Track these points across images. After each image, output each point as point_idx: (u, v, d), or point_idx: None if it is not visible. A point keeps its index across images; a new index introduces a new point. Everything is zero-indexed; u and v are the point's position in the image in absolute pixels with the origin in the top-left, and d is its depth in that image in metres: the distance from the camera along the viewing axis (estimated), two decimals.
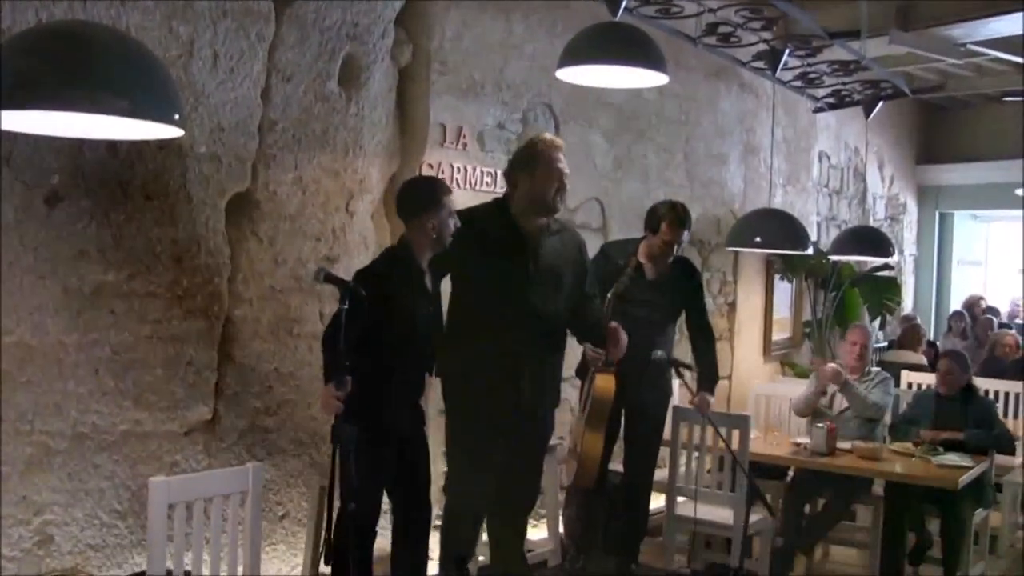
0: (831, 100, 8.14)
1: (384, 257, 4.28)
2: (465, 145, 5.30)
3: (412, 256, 4.10)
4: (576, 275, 4.53)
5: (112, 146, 3.90)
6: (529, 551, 5.01)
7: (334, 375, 3.60)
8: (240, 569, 3.60)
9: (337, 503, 3.46)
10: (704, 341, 5.51)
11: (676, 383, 5.66)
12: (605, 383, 4.76)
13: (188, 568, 3.50)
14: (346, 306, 3.52)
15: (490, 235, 4.36)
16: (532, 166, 4.39)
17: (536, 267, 4.37)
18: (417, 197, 4.17)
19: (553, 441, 4.93)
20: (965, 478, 5.21)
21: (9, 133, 3.53)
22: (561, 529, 5.48)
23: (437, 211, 4.08)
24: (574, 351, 4.82)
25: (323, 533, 3.89)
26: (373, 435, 3.79)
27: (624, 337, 4.55)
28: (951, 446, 5.66)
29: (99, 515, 4.01)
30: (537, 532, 5.55)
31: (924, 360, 8.59)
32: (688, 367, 5.14)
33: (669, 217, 5.16)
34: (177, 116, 2.42)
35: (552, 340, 4.52)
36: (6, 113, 2.43)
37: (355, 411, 3.56)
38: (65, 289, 3.82)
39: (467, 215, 4.29)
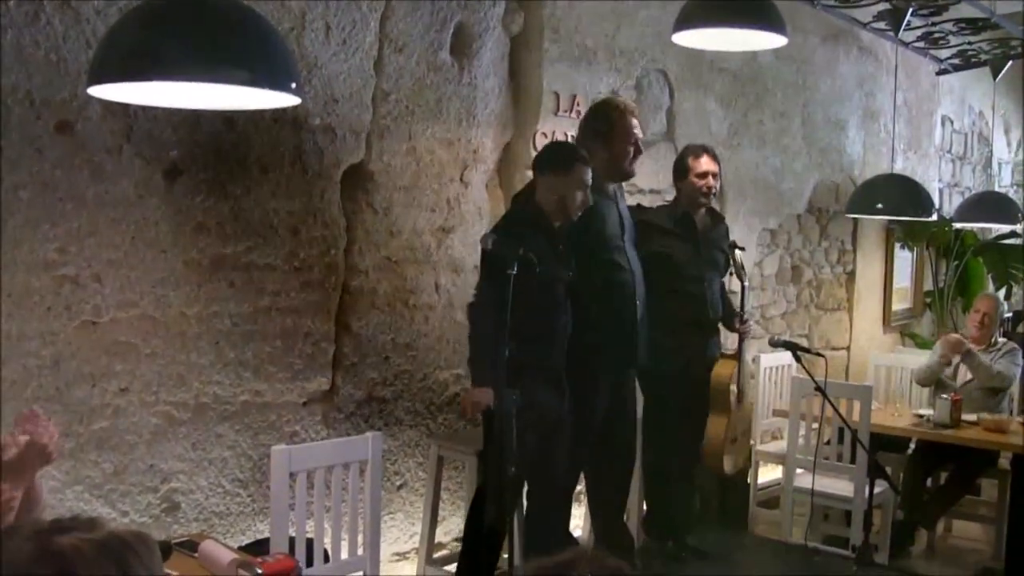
0: (956, 61, 7.87)
1: (516, 217, 4.29)
2: (579, 113, 5.23)
3: (545, 217, 4.14)
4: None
5: (228, 120, 3.95)
6: None
7: (497, 351, 3.58)
8: (360, 537, 3.63)
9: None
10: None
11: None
12: (725, 368, 4.81)
13: (310, 535, 3.55)
14: (514, 272, 3.53)
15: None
16: (607, 133, 4.41)
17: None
18: (552, 157, 4.26)
19: None
20: None
21: (128, 109, 3.62)
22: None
23: (567, 176, 4.08)
24: None
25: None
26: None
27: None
28: None
29: (222, 483, 4.08)
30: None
31: None
32: (806, 349, 5.05)
33: (693, 152, 5.07)
34: (294, 85, 2.42)
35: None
36: (126, 86, 2.45)
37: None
38: (186, 262, 3.89)
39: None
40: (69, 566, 1.32)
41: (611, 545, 4.60)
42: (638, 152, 4.49)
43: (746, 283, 5.06)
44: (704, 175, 5.00)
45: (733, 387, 4.93)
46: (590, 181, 4.21)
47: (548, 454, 4.19)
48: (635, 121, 4.51)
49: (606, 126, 4.48)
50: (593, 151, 4.40)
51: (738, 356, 4.99)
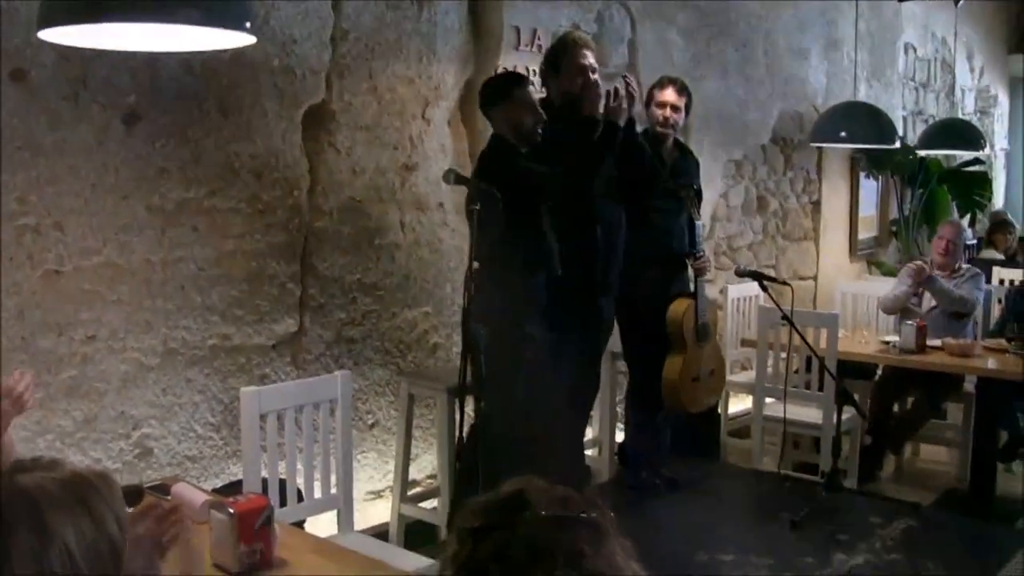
0: None
1: (488, 156, 4.32)
2: (540, 47, 5.19)
3: (513, 148, 4.16)
4: None
5: (186, 63, 3.90)
6: None
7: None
8: (333, 477, 3.66)
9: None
10: None
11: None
12: (680, 306, 4.86)
13: (283, 476, 3.57)
14: (477, 207, 3.55)
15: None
16: (559, 66, 4.51)
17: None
18: (491, 91, 4.36)
19: None
20: None
21: (83, 55, 3.57)
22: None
23: (509, 102, 4.21)
24: None
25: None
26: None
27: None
28: None
29: (194, 427, 4.09)
30: None
31: (1002, 257, 8.38)
32: (772, 279, 5.10)
33: (660, 82, 5.13)
34: (248, 24, 2.39)
35: None
36: (78, 30, 2.42)
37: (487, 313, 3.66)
38: (148, 208, 3.86)
39: None
40: (34, 504, 1.32)
41: (566, 474, 4.65)
42: (593, 84, 4.46)
43: (699, 220, 5.10)
44: (663, 105, 5.02)
45: (689, 325, 4.96)
46: (535, 100, 4.29)
47: (523, 387, 4.22)
48: (588, 53, 4.55)
49: (557, 58, 4.56)
50: (549, 84, 4.57)
51: (694, 294, 5.02)
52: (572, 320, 4.52)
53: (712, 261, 5.91)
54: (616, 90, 4.36)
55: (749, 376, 6.06)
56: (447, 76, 4.91)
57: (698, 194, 5.17)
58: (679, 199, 5.06)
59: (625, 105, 4.37)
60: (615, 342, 5.14)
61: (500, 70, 5.02)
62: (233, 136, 4.10)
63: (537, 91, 4.77)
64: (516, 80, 4.42)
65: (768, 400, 5.58)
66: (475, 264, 3.68)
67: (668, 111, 5.03)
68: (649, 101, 5.03)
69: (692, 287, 5.08)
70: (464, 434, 3.82)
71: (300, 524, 3.54)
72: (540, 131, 4.25)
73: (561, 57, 4.55)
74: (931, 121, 9.34)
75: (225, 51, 3.88)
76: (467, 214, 3.79)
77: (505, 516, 1.11)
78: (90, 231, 3.69)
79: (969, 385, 5.72)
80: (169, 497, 2.92)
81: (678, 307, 4.97)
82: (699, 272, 5.06)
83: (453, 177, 3.86)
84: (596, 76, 4.52)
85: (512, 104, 4.23)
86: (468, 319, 3.62)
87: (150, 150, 3.85)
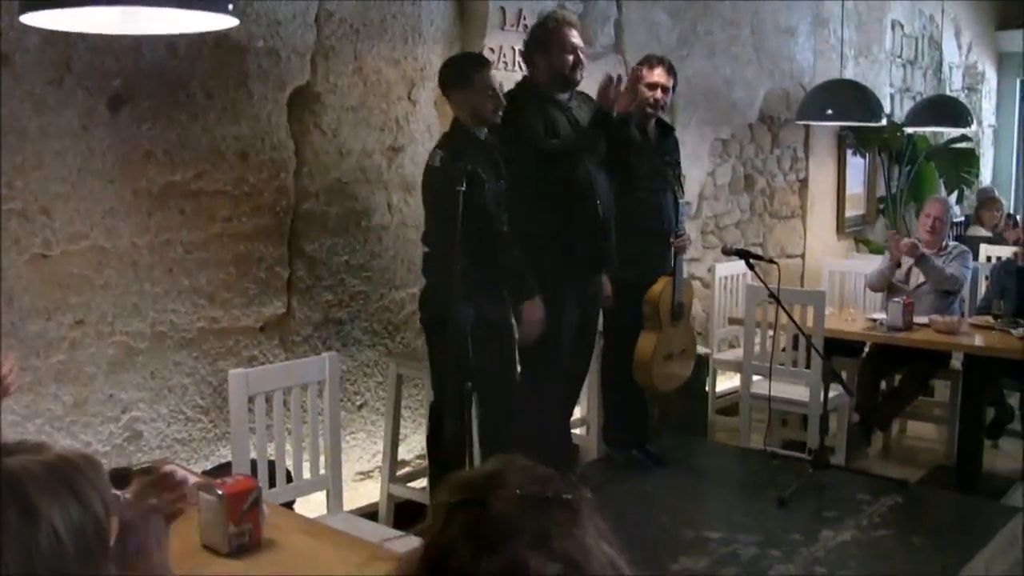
0: None
1: (450, 138, 4.30)
2: (526, 27, 5.18)
3: (472, 132, 4.16)
4: None
5: (170, 46, 3.89)
6: None
7: (450, 266, 3.64)
8: (322, 458, 3.67)
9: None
10: None
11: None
12: (658, 285, 4.89)
13: (271, 458, 3.58)
14: (463, 188, 3.55)
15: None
16: (546, 44, 4.52)
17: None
18: (451, 73, 4.33)
19: None
20: None
21: (68, 39, 3.56)
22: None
23: (469, 86, 4.17)
24: None
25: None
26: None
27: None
28: None
29: (183, 410, 4.10)
30: None
31: (989, 234, 8.41)
32: (759, 257, 5.13)
33: (647, 61, 5.13)
34: (231, 6, 2.39)
35: None
36: (60, 13, 2.41)
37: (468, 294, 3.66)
38: (135, 191, 3.86)
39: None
40: (20, 487, 1.33)
41: (551, 453, 4.67)
42: (579, 61, 4.56)
43: (682, 199, 5.12)
44: (652, 86, 5.02)
45: (665, 304, 4.99)
46: (496, 83, 4.26)
47: (498, 365, 4.26)
48: (574, 32, 4.60)
49: (545, 38, 4.57)
50: (537, 63, 4.58)
51: (673, 272, 5.03)
52: (572, 295, 4.57)
53: (692, 239, 5.91)
54: (619, 78, 4.42)
55: (736, 354, 6.09)
56: (433, 57, 4.91)
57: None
58: (665, 178, 5.07)
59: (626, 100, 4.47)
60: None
61: (486, 50, 5.01)
62: (219, 119, 4.10)
63: (510, 69, 4.82)
64: (477, 63, 4.33)
65: (755, 378, 5.60)
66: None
67: (658, 92, 5.04)
68: (635, 80, 5.02)
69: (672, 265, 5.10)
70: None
71: (289, 505, 3.55)
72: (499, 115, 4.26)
73: (548, 36, 4.56)
74: (919, 98, 9.34)
75: (209, 34, 3.88)
76: (447, 195, 3.72)
77: (480, 493, 1.12)
78: (77, 215, 3.69)
79: (956, 362, 5.76)
80: None
81: (656, 286, 4.99)
82: (680, 250, 5.08)
83: (438, 158, 3.88)
84: (583, 56, 4.57)
85: (472, 89, 4.18)
86: (456, 299, 3.62)
87: (136, 134, 3.84)
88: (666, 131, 5.26)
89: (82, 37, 3.55)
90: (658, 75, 5.05)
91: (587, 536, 1.09)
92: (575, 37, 4.57)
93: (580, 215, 4.56)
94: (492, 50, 5.07)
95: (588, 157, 4.56)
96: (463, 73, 4.24)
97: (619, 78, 4.45)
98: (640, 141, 4.96)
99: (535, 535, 1.05)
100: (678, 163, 5.21)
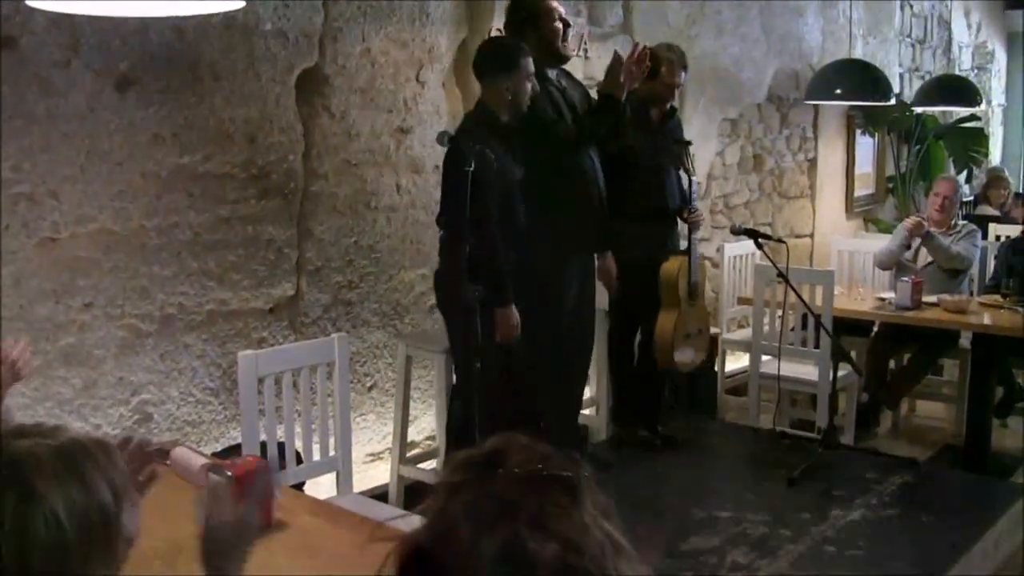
0: None
1: (470, 122, 4.27)
2: None
3: (497, 118, 4.10)
4: None
5: (178, 28, 3.89)
6: None
7: (459, 247, 3.67)
8: (332, 440, 3.68)
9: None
10: None
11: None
12: (673, 264, 4.88)
13: (281, 439, 3.59)
14: (471, 168, 3.53)
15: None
16: (534, 16, 4.48)
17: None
18: (495, 59, 4.22)
19: None
20: None
21: (74, 21, 3.55)
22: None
23: (515, 73, 4.07)
24: None
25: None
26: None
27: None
28: None
29: (193, 392, 4.11)
30: None
31: (997, 213, 8.37)
32: (768, 236, 5.13)
33: (668, 59, 5.08)
34: None
35: None
36: None
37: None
38: (143, 174, 3.86)
39: None
40: (22, 470, 1.33)
41: (560, 437, 4.67)
42: (567, 27, 4.54)
43: (694, 177, 5.12)
44: (671, 86, 5.14)
45: (682, 282, 4.98)
46: (533, 68, 4.23)
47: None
48: (557, 4, 4.55)
49: (530, 10, 4.50)
50: (528, 38, 4.43)
51: (688, 250, 5.03)
52: (573, 276, 4.57)
53: (707, 217, 5.90)
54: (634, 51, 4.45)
55: (745, 334, 6.08)
56: (441, 38, 4.89)
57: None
58: (670, 156, 5.08)
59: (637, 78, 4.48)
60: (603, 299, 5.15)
61: (494, 31, 4.99)
62: (227, 101, 4.09)
63: None
64: (520, 49, 4.24)
65: (765, 358, 5.61)
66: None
67: (675, 90, 5.15)
68: (656, 74, 4.98)
69: (685, 244, 5.09)
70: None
71: (299, 486, 3.57)
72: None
73: (535, 7, 4.50)
74: (928, 78, 9.31)
75: (216, 15, 3.88)
76: (457, 175, 3.71)
77: (480, 472, 1.11)
78: (85, 198, 3.70)
79: (965, 341, 5.74)
80: (168, 463, 2.94)
81: (671, 264, 4.99)
82: (693, 227, 5.08)
83: (448, 139, 3.85)
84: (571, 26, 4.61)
85: (519, 75, 4.14)
86: (463, 280, 3.62)
87: (143, 116, 3.84)
88: (670, 111, 5.26)
89: (89, 19, 3.54)
90: (680, 78, 5.13)
91: (585, 514, 1.08)
92: (560, 8, 4.55)
93: (581, 197, 4.55)
94: (500, 31, 5.04)
95: (591, 136, 4.57)
96: (511, 59, 4.17)
97: (634, 51, 4.43)
98: (643, 121, 4.97)
99: (531, 515, 1.05)
100: (688, 142, 5.20)
